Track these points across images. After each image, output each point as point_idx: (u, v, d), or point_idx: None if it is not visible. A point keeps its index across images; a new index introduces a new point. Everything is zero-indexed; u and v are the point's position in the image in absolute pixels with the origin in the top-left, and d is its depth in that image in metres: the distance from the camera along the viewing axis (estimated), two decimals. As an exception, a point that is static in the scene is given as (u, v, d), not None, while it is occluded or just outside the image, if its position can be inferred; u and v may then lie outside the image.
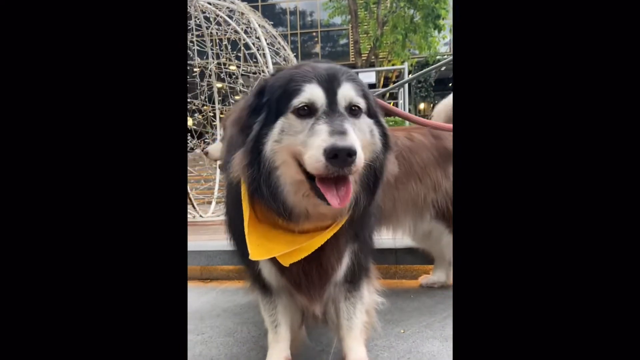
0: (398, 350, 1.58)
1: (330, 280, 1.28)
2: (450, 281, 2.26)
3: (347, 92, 1.06)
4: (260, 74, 5.48)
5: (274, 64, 5.47)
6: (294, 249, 1.13)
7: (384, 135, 1.15)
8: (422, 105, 19.49)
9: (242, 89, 5.69)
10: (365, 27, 13.51)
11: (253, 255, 1.13)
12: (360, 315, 1.43)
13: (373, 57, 12.99)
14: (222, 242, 3.19)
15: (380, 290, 1.51)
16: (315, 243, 1.13)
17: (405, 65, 9.54)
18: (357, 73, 10.25)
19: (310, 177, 1.03)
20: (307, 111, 1.04)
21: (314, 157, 0.96)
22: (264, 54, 5.46)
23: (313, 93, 1.04)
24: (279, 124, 1.06)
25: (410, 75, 9.15)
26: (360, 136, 1.05)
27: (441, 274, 2.28)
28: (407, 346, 1.61)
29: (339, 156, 0.93)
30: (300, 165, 1.04)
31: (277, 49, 5.76)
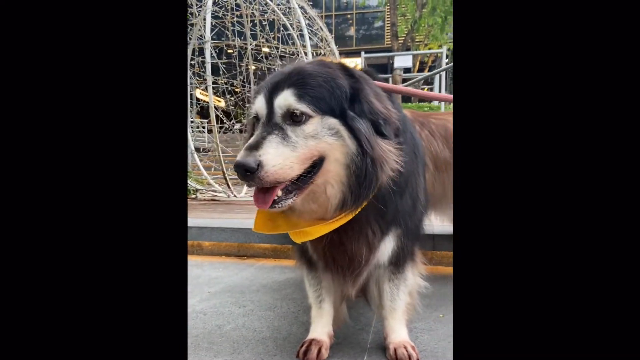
0: (438, 333, 1.59)
1: (361, 267, 1.29)
2: None
3: (282, 101, 1.08)
4: (297, 55, 5.46)
5: (312, 45, 5.44)
6: (299, 230, 1.17)
7: (357, 139, 1.08)
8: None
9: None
10: (403, 9, 13.15)
11: (257, 227, 1.21)
12: (403, 297, 1.44)
13: (409, 41, 12.67)
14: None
15: (425, 274, 1.52)
16: (316, 230, 1.15)
17: (444, 50, 9.26)
18: (394, 57, 10.06)
19: None
20: (257, 123, 1.12)
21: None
22: (301, 34, 5.43)
23: (257, 104, 1.12)
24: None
25: (446, 63, 8.88)
26: (302, 142, 1.06)
27: None
28: (446, 330, 1.61)
29: (238, 172, 1.01)
30: None
31: (315, 29, 5.71)
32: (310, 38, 5.36)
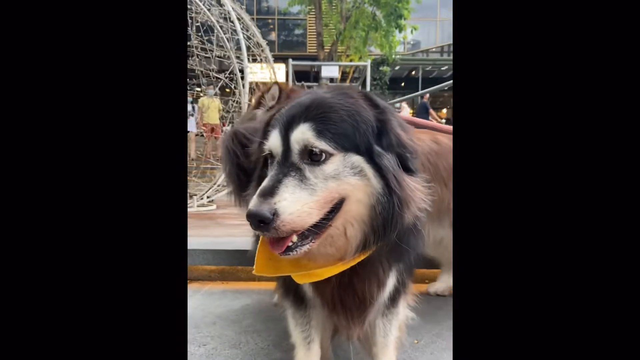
0: (420, 363, 1.57)
1: (371, 307, 1.21)
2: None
3: (300, 136, 0.96)
4: (229, 59, 5.22)
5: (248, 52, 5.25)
6: (305, 273, 1.08)
7: (384, 178, 0.98)
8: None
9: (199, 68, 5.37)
10: (327, 20, 13.42)
11: (258, 269, 1.08)
12: (395, 331, 1.39)
13: (334, 51, 12.97)
14: (204, 239, 3.02)
15: (413, 305, 1.48)
16: (326, 272, 1.07)
17: (368, 63, 9.62)
18: (320, 67, 10.20)
19: None
20: (272, 160, 1.01)
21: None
22: (236, 39, 5.21)
23: (272, 141, 1.01)
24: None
25: (370, 75, 9.22)
26: (322, 184, 0.95)
27: (450, 280, 2.29)
28: (426, 359, 1.60)
29: (252, 223, 0.90)
30: None
31: (250, 34, 5.52)
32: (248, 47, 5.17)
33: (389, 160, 0.99)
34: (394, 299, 1.33)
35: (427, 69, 21.24)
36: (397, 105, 11.78)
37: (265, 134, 1.05)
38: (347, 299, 1.15)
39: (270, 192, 0.91)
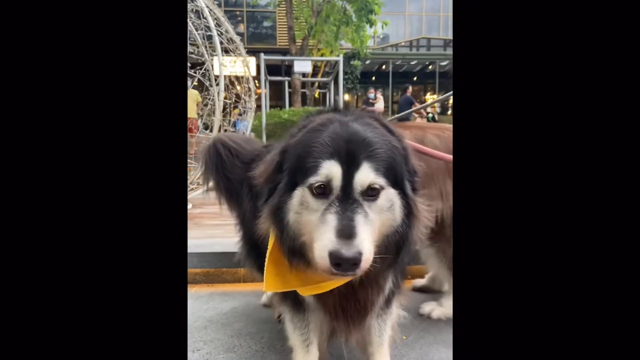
0: (410, 358, 1.64)
1: (371, 313, 1.28)
2: (437, 287, 2.34)
3: (364, 177, 0.99)
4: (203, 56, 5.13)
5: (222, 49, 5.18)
6: (312, 287, 1.13)
7: (407, 206, 1.06)
8: (346, 97, 19.99)
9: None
10: (298, 13, 13.33)
11: (268, 287, 1.12)
12: (389, 330, 1.45)
13: (306, 46, 12.92)
14: (191, 241, 2.98)
15: (405, 304, 1.55)
16: (330, 284, 1.12)
17: (341, 57, 9.64)
18: (293, 61, 10.12)
19: None
20: (323, 190, 0.99)
21: (319, 255, 0.94)
22: (209, 35, 5.13)
23: (330, 172, 0.99)
24: (297, 194, 1.03)
25: (342, 70, 9.27)
26: (377, 218, 1.01)
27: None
28: (416, 354, 1.68)
29: (342, 265, 0.91)
30: None
31: (223, 30, 5.44)
32: (220, 42, 5.10)
33: (409, 188, 1.05)
34: (388, 301, 1.39)
35: (397, 63, 21.53)
36: (372, 96, 11.87)
37: (304, 164, 1.02)
38: (348, 306, 1.20)
39: (351, 234, 0.92)
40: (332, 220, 0.94)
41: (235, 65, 6.04)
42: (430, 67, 22.23)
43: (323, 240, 0.93)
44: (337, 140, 1.02)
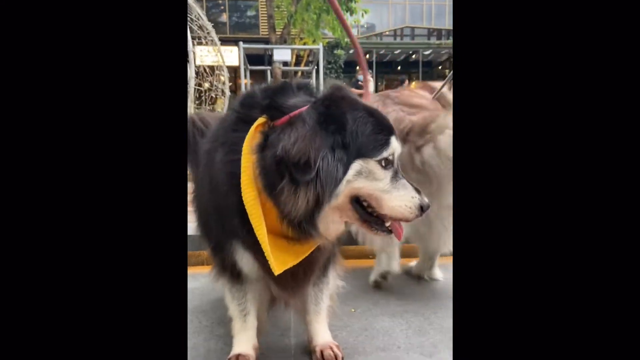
0: (354, 328, 1.69)
1: (314, 274, 1.33)
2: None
3: (398, 146, 1.20)
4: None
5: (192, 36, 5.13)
6: (285, 260, 1.17)
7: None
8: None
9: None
10: (279, 1, 13.22)
11: (278, 269, 1.15)
12: (326, 299, 1.50)
13: (286, 34, 12.82)
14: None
15: (342, 274, 1.59)
16: (301, 255, 1.20)
17: (320, 46, 9.62)
18: (272, 50, 10.07)
19: (363, 214, 1.18)
20: (388, 162, 1.16)
21: (407, 208, 1.15)
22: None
23: (395, 147, 1.17)
24: (356, 167, 1.11)
25: (323, 58, 9.25)
26: None
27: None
28: (361, 324, 1.73)
29: (424, 209, 1.17)
30: (358, 203, 1.16)
31: (194, 17, 5.38)
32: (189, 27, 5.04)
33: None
34: (324, 269, 1.44)
35: (381, 52, 21.52)
36: (360, 78, 11.77)
37: (375, 139, 1.14)
38: (298, 273, 1.24)
39: (420, 191, 1.18)
40: (406, 183, 1.18)
41: (210, 54, 6.00)
42: (413, 56, 22.27)
43: (407, 196, 1.16)
44: (385, 119, 1.21)
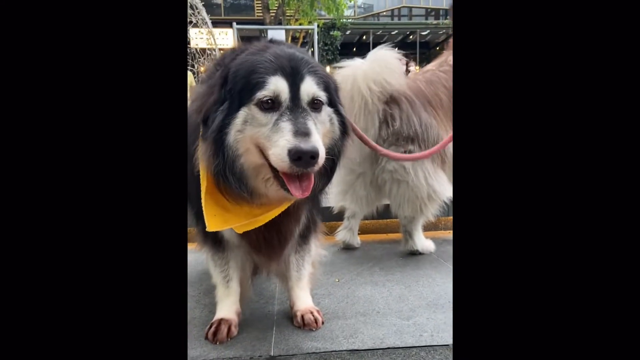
0: (337, 296, 1.74)
1: (289, 242, 1.36)
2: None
3: (309, 87, 1.09)
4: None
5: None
6: (248, 221, 1.19)
7: (342, 123, 1.21)
8: (327, 68, 19.77)
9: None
10: (273, -19, 13.00)
11: (210, 227, 1.15)
12: (307, 266, 1.53)
13: (281, 15, 12.66)
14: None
15: (324, 244, 1.63)
16: (270, 216, 1.20)
17: (315, 26, 9.51)
18: (266, 30, 9.96)
19: (273, 166, 1.06)
20: (271, 104, 1.06)
21: (279, 156, 1.00)
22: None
23: (277, 87, 1.05)
24: (242, 114, 1.07)
25: (317, 40, 9.15)
26: (321, 128, 1.12)
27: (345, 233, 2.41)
28: (344, 292, 1.77)
29: (303, 158, 0.98)
30: (263, 153, 1.08)
31: (185, -4, 5.31)
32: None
33: (344, 111, 1.20)
34: (304, 236, 1.47)
35: (378, 33, 21.25)
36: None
37: (250, 82, 1.06)
38: (270, 237, 1.27)
39: (307, 132, 1.01)
40: (286, 125, 1.02)
41: (202, 35, 5.93)
42: (411, 37, 22.01)
43: (280, 142, 1.00)
44: (279, 58, 1.09)
